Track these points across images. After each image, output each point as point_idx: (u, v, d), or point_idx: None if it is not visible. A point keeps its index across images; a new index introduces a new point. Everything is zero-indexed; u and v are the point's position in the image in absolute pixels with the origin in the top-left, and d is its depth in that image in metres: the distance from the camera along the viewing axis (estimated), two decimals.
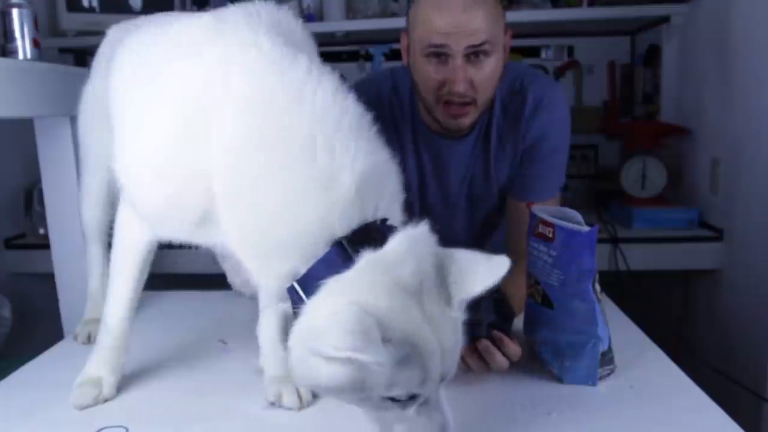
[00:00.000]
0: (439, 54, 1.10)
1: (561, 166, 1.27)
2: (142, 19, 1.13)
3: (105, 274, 1.25)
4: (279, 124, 0.72)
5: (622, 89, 2.52)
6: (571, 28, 2.45)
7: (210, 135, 0.73)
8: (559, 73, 2.53)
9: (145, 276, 0.97)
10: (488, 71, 1.11)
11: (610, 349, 0.94)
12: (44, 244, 1.50)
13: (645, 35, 2.44)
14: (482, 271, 0.70)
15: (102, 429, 0.85)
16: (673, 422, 0.83)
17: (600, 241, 1.00)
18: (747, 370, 1.70)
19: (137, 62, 0.90)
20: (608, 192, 2.28)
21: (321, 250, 0.69)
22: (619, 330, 1.04)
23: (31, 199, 2.12)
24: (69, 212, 1.39)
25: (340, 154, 0.71)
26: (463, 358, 0.94)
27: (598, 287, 0.93)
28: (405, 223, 0.72)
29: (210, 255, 1.40)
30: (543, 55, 2.58)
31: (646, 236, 2.00)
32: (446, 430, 0.70)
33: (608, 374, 0.94)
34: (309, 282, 0.68)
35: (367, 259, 0.66)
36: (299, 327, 0.66)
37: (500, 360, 0.94)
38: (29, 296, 2.04)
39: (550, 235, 0.93)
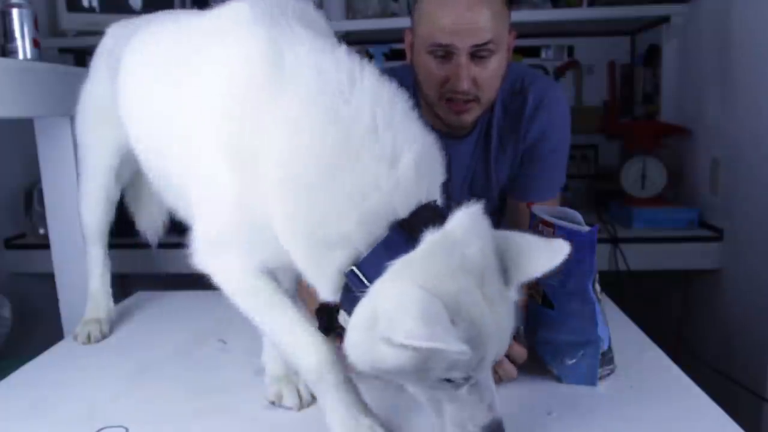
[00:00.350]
0: (444, 51, 1.10)
1: (561, 166, 1.27)
2: (142, 19, 1.13)
3: (105, 275, 1.25)
4: (340, 104, 0.71)
5: (622, 89, 2.52)
6: (571, 28, 2.45)
7: (265, 124, 0.72)
8: (559, 73, 2.53)
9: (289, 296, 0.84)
10: (492, 70, 1.11)
11: (610, 349, 0.94)
12: (44, 244, 1.50)
13: (645, 35, 2.44)
14: (542, 255, 0.70)
15: (102, 429, 0.85)
16: (673, 422, 0.83)
17: (600, 241, 1.00)
18: (747, 370, 1.70)
19: (161, 62, 0.90)
20: (608, 192, 2.28)
21: (383, 232, 0.68)
22: (619, 330, 1.04)
23: (31, 199, 2.12)
24: (69, 212, 1.39)
25: (400, 133, 0.71)
26: None
27: (598, 287, 0.93)
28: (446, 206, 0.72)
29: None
30: (543, 55, 2.58)
31: (646, 236, 2.00)
32: (493, 408, 0.71)
33: (608, 374, 0.94)
34: (371, 266, 0.67)
35: (430, 240, 0.66)
36: (362, 311, 0.66)
37: (509, 368, 0.92)
38: (29, 296, 2.04)
39: (550, 236, 0.93)
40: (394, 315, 0.61)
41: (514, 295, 0.70)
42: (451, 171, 1.28)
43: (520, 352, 0.94)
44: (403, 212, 0.69)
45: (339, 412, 0.79)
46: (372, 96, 0.72)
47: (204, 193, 0.81)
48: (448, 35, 1.08)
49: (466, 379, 0.68)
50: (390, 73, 1.33)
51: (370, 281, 0.67)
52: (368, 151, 0.69)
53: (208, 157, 0.77)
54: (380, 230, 0.68)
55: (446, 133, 1.24)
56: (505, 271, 0.69)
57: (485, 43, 1.08)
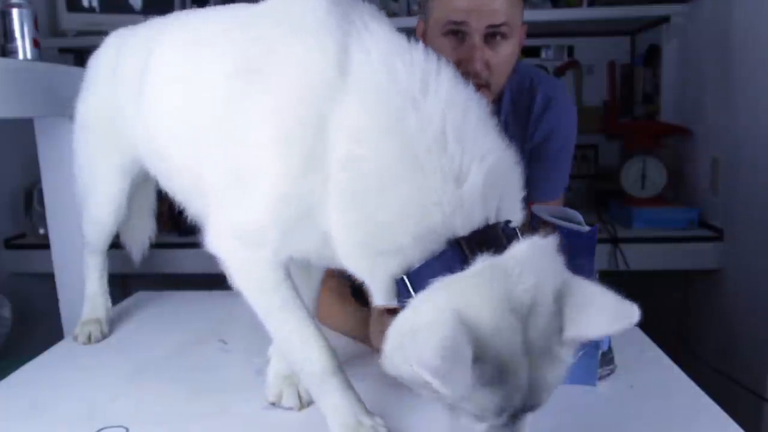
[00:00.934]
0: (458, 32, 1.10)
1: (566, 167, 1.27)
2: (142, 26, 1.09)
3: (103, 277, 1.24)
4: (409, 112, 0.67)
5: (622, 89, 2.52)
6: (571, 28, 2.45)
7: (327, 125, 0.70)
8: (559, 73, 2.53)
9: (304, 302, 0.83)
10: (504, 55, 1.11)
11: (610, 349, 0.94)
12: (44, 244, 1.50)
13: (645, 35, 2.44)
14: (606, 315, 0.63)
15: (102, 429, 0.85)
16: (673, 422, 0.83)
17: (600, 241, 1.00)
18: (747, 370, 1.70)
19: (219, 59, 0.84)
20: (608, 192, 2.28)
21: (439, 247, 0.65)
22: None
23: (31, 199, 2.12)
24: (69, 212, 1.39)
25: (471, 147, 0.67)
26: None
27: None
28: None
29: (210, 255, 1.41)
30: (543, 55, 2.58)
31: (646, 236, 2.00)
32: None
33: (608, 374, 0.94)
34: (420, 278, 0.65)
35: (483, 264, 0.62)
36: (401, 320, 0.64)
37: None
38: (29, 296, 2.04)
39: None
40: (419, 335, 0.59)
41: (565, 351, 0.63)
42: None
43: None
44: (464, 230, 0.65)
45: (341, 414, 0.78)
46: (445, 104, 0.68)
47: (240, 184, 0.77)
48: (464, 14, 1.07)
49: (482, 418, 0.64)
50: None
51: (416, 292, 0.65)
52: (434, 166, 0.66)
53: (258, 150, 0.74)
54: (437, 246, 0.66)
55: None
56: (561, 320, 0.62)
57: (500, 25, 1.08)
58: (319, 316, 0.96)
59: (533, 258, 0.63)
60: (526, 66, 1.31)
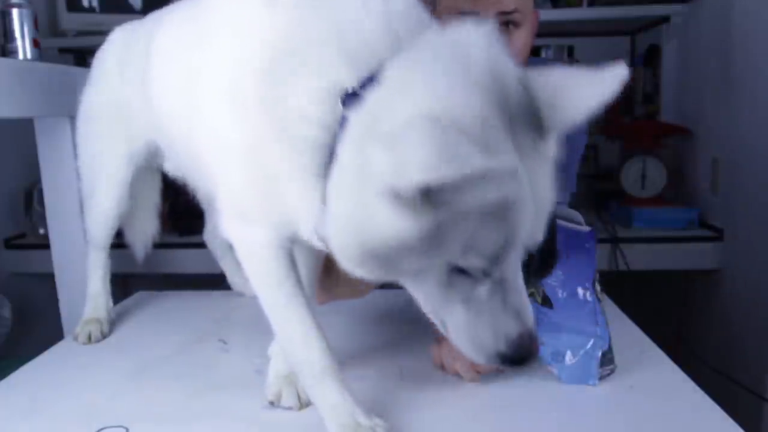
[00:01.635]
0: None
1: (574, 173, 1.24)
2: (148, 18, 1.10)
3: (106, 276, 1.24)
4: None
5: (622, 89, 2.52)
6: (571, 28, 2.45)
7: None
8: None
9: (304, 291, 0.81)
10: (518, 45, 1.06)
11: (610, 349, 0.94)
12: (44, 244, 1.50)
13: (645, 35, 2.44)
14: (591, 86, 0.55)
15: (102, 429, 0.85)
16: (673, 422, 0.83)
17: (600, 241, 1.00)
18: (747, 370, 1.70)
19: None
20: (608, 192, 2.28)
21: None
22: (619, 330, 1.04)
23: (31, 199, 2.12)
24: (69, 212, 1.39)
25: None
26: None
27: (598, 287, 0.93)
28: None
29: (210, 255, 1.41)
30: (543, 55, 2.57)
31: (646, 236, 2.00)
32: (523, 318, 0.56)
33: (608, 374, 0.94)
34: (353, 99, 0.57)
35: (430, 46, 0.54)
36: (347, 165, 0.55)
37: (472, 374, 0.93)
38: (29, 296, 2.04)
39: None
40: (399, 154, 0.48)
41: (552, 148, 0.55)
42: None
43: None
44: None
45: (339, 414, 0.78)
46: None
47: (219, 156, 0.77)
48: (473, 2, 1.02)
49: (487, 271, 0.54)
50: None
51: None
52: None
53: (216, 114, 0.74)
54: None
55: None
56: (537, 119, 0.53)
57: (510, 12, 1.03)
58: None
59: (488, 43, 0.55)
60: (538, 60, 1.26)
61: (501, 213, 0.50)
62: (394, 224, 0.51)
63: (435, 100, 0.51)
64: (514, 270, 0.56)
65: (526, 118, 0.53)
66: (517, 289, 0.56)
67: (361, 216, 0.54)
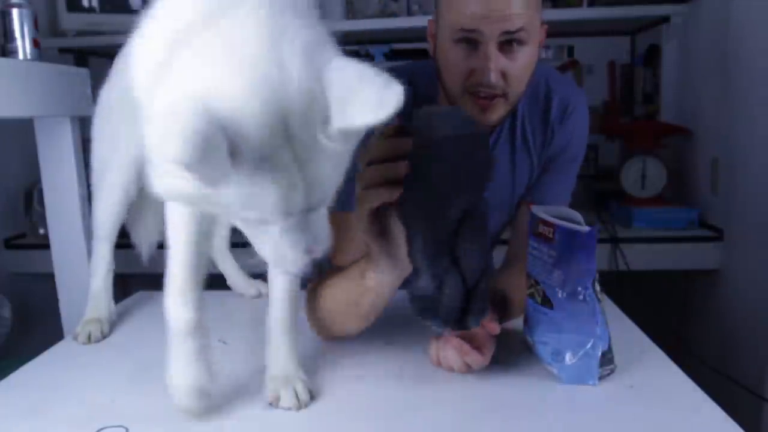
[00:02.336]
0: (470, 40, 0.99)
1: (575, 175, 1.23)
2: None
3: (109, 274, 1.24)
4: None
5: (622, 89, 2.52)
6: (571, 28, 2.45)
7: None
8: None
9: (204, 261, 0.92)
10: (522, 62, 1.01)
11: (610, 349, 0.94)
12: (44, 244, 1.50)
13: (645, 35, 2.44)
14: (372, 102, 0.58)
15: (102, 429, 0.85)
16: (673, 422, 0.83)
17: (600, 241, 1.00)
18: (747, 370, 1.70)
19: None
20: (608, 192, 2.28)
21: None
22: (619, 330, 1.04)
23: (31, 199, 2.12)
24: (69, 212, 1.39)
25: None
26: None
27: (598, 287, 0.93)
28: None
29: (209, 255, 1.41)
30: (543, 55, 2.58)
31: (646, 236, 2.01)
32: (312, 251, 0.65)
33: (608, 374, 0.94)
34: None
35: (219, 30, 0.58)
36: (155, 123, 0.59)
37: (475, 357, 0.93)
38: (29, 296, 2.04)
39: (550, 235, 0.93)
40: (157, 133, 0.55)
41: (333, 144, 0.59)
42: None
43: (477, 360, 0.93)
44: None
45: (183, 376, 0.86)
46: None
47: None
48: (477, 20, 0.97)
49: (272, 221, 0.62)
50: (407, 70, 1.23)
51: None
52: None
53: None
54: None
55: None
56: (324, 111, 0.58)
57: (516, 31, 0.97)
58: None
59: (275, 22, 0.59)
60: (540, 66, 1.24)
61: (267, 188, 0.57)
62: (175, 184, 0.59)
63: (199, 85, 0.56)
64: (302, 218, 0.63)
65: (311, 108, 0.58)
66: (306, 230, 0.64)
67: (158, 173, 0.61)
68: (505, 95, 1.02)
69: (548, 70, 1.22)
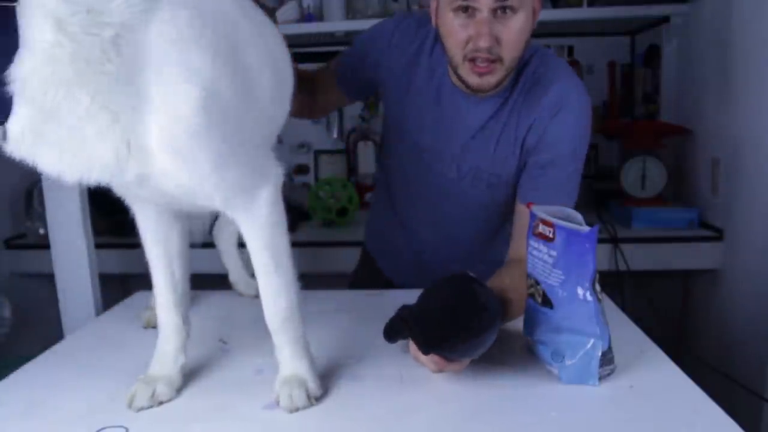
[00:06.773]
0: (467, 8, 1.09)
1: (576, 173, 1.22)
2: None
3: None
4: None
5: (622, 89, 2.52)
6: (571, 28, 2.45)
7: None
8: None
9: (181, 265, 0.99)
10: (515, 28, 1.09)
11: (610, 349, 0.94)
12: (44, 244, 1.50)
13: (645, 35, 2.44)
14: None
15: (102, 429, 0.85)
16: (673, 422, 0.83)
17: (600, 241, 1.00)
18: (747, 370, 1.70)
19: None
20: (608, 192, 2.28)
21: None
22: (619, 330, 1.04)
23: (31, 199, 2.12)
24: (69, 212, 1.39)
25: None
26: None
27: (598, 287, 0.93)
28: None
29: (210, 255, 1.41)
30: None
31: (646, 236, 2.00)
32: None
33: (608, 374, 0.94)
34: None
35: None
36: None
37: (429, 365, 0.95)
38: (29, 296, 2.04)
39: (550, 235, 0.93)
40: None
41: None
42: (464, 124, 1.25)
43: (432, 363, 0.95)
44: None
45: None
46: None
47: None
48: None
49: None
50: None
51: None
52: None
53: None
54: None
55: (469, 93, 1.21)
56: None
57: None
58: None
59: None
60: (548, 55, 1.25)
61: None
62: None
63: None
64: None
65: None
66: None
67: None
68: (500, 60, 1.12)
69: (555, 62, 1.25)
